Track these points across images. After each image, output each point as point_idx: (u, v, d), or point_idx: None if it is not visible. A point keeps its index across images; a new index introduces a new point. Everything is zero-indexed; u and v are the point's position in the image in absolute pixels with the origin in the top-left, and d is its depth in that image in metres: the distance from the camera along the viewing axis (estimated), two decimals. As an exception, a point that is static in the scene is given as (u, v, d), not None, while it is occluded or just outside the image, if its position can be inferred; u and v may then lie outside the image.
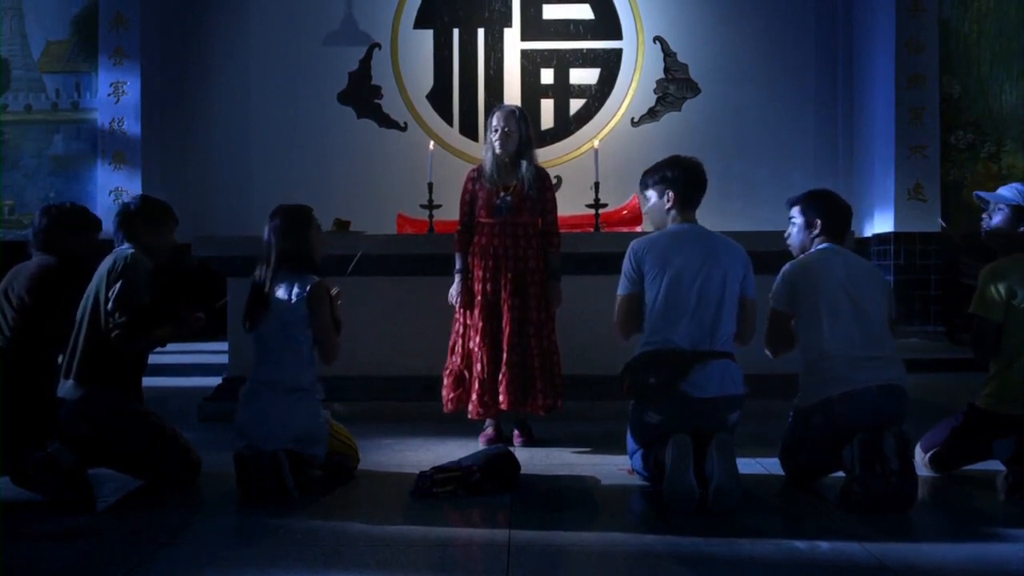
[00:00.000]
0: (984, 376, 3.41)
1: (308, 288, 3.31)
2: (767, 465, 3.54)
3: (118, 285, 3.21)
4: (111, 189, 8.04)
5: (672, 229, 3.34)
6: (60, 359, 3.42)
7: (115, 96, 8.13)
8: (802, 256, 3.38)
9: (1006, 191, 3.41)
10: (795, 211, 3.43)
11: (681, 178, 3.34)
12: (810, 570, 2.43)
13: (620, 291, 3.32)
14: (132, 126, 8.10)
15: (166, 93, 8.54)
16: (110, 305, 3.21)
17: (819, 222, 3.36)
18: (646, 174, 3.46)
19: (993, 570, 2.45)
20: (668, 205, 3.35)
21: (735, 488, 2.90)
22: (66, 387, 3.28)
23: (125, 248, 3.37)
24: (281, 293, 3.32)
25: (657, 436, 3.12)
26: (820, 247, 3.34)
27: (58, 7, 8.28)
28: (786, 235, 3.49)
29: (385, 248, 4.96)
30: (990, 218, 3.43)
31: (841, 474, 3.16)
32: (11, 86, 8.26)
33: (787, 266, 3.36)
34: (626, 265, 3.31)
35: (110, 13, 8.12)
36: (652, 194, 3.41)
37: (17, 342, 3.48)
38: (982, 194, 3.52)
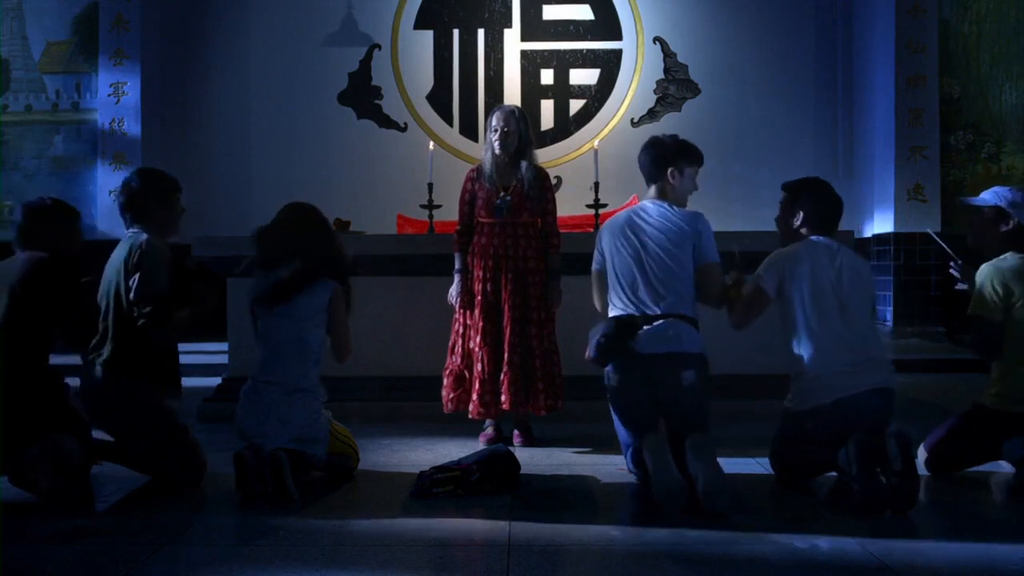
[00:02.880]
0: (984, 375, 3.42)
1: (329, 290, 3.34)
2: (766, 465, 3.53)
3: (137, 276, 3.25)
4: (111, 190, 8.03)
5: (631, 209, 3.53)
6: (79, 348, 3.43)
7: (115, 97, 8.14)
8: (791, 247, 3.38)
9: (987, 195, 3.49)
10: (785, 196, 3.47)
11: (641, 162, 3.54)
12: (810, 570, 2.43)
13: (592, 267, 3.58)
14: (132, 127, 8.11)
15: (166, 94, 8.55)
16: (132, 296, 3.25)
17: (802, 214, 3.38)
18: None
19: (994, 570, 2.45)
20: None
21: (722, 486, 2.90)
22: (92, 374, 3.30)
23: (137, 233, 3.37)
24: (298, 294, 3.33)
25: (619, 404, 3.32)
26: (808, 240, 3.35)
27: (58, 8, 8.29)
28: (776, 218, 3.51)
29: (385, 248, 4.96)
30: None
31: (835, 474, 3.16)
32: (11, 87, 8.27)
33: (775, 253, 3.38)
34: (596, 244, 3.58)
35: (110, 14, 8.14)
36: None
37: (12, 342, 3.45)
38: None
